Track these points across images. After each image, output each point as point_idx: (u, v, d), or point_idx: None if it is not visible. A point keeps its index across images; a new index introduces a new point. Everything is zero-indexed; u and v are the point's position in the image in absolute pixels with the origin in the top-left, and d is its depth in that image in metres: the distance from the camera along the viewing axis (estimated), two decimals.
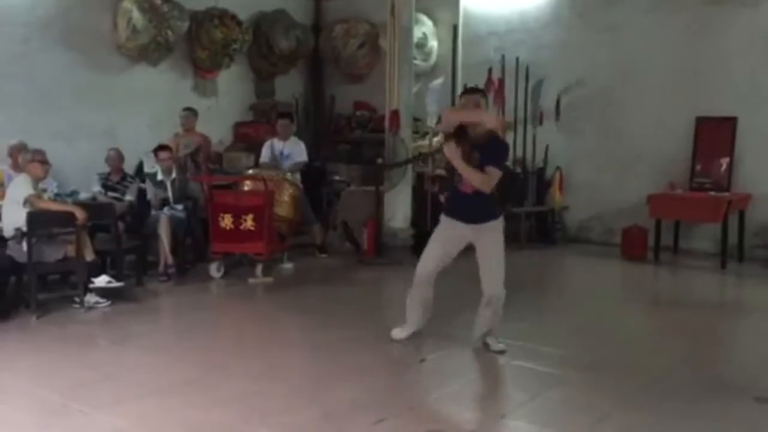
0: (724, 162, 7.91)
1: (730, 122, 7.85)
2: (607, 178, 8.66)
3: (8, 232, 5.57)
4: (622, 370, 4.37)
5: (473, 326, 4.70)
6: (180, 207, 7.00)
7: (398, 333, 4.79)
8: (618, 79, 8.54)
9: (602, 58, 8.61)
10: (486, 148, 4.42)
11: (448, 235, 4.61)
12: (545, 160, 8.92)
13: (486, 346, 4.64)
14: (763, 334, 5.34)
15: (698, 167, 8.05)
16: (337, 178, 9.52)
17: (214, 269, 6.84)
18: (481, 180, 4.38)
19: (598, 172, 8.74)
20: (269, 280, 6.69)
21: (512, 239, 8.50)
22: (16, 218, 5.48)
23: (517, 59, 8.65)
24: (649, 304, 6.52)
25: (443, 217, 4.67)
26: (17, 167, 6.32)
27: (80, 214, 5.58)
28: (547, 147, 8.84)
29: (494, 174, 4.41)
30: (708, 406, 3.79)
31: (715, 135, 7.95)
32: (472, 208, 4.50)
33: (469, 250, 4.66)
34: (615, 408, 3.72)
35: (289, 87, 10.26)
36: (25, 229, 5.41)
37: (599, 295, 6.51)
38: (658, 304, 6.61)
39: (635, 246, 7.86)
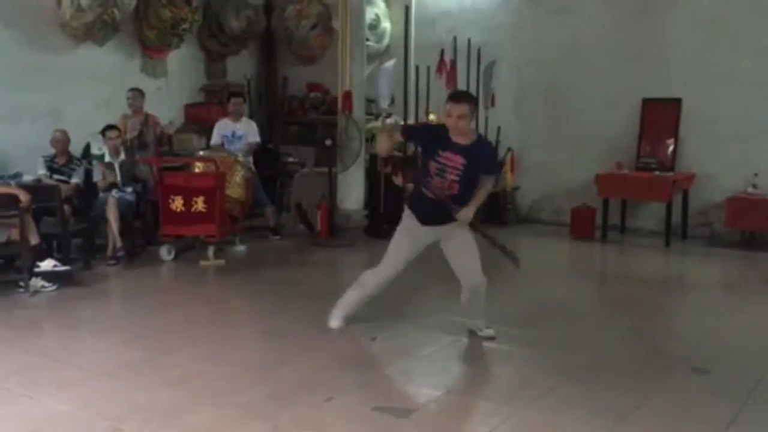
0: (669, 142, 8.12)
1: (675, 103, 8.05)
2: (558, 159, 8.80)
3: None
4: (568, 345, 4.49)
5: (468, 317, 4.64)
6: (129, 189, 6.89)
7: (336, 322, 4.65)
8: (567, 60, 8.66)
9: (552, 39, 8.72)
10: (472, 153, 4.21)
11: (417, 234, 4.42)
12: (497, 142, 9.00)
13: (473, 333, 4.60)
14: (703, 309, 5.53)
15: (644, 148, 8.24)
16: (290, 159, 9.49)
17: (165, 252, 6.76)
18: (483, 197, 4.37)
19: (549, 153, 8.88)
20: (221, 262, 6.64)
21: None
22: None
23: (469, 40, 8.70)
24: (596, 281, 6.69)
25: (408, 213, 4.44)
26: None
27: (24, 197, 5.46)
28: (498, 128, 8.92)
29: (490, 185, 4.40)
30: (648, 378, 3.92)
31: (660, 116, 8.14)
32: (437, 213, 4.31)
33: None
34: (559, 382, 3.82)
35: (240, 68, 10.13)
36: None
37: (548, 274, 6.64)
38: (604, 281, 6.79)
39: (584, 225, 8.03)
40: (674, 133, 8.08)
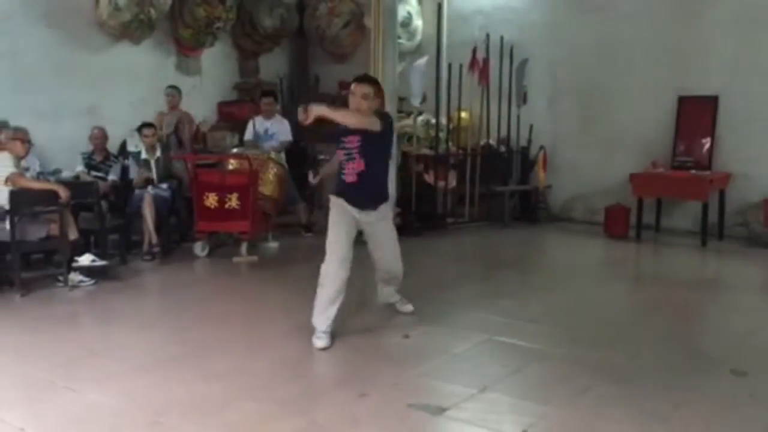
0: (706, 141, 7.99)
1: (712, 101, 7.92)
2: (591, 157, 8.72)
3: None
4: (602, 344, 4.45)
5: (380, 295, 5.03)
6: (164, 186, 6.99)
7: (321, 342, 4.35)
8: (602, 58, 8.57)
9: (587, 37, 8.64)
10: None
11: (349, 213, 4.49)
12: (529, 140, 8.96)
13: (393, 306, 5.01)
14: (741, 310, 5.43)
15: (680, 146, 8.12)
16: (322, 157, 9.50)
17: (199, 248, 6.85)
18: (356, 120, 4.27)
19: (582, 152, 8.80)
20: (254, 258, 6.71)
21: (496, 218, 8.68)
22: None
23: (502, 38, 8.65)
24: (630, 281, 6.61)
25: (335, 200, 4.53)
26: None
27: (63, 193, 5.57)
28: (531, 126, 8.87)
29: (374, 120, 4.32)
30: (685, 379, 3.87)
31: (696, 114, 8.01)
32: (359, 195, 4.46)
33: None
34: (594, 381, 3.79)
35: (273, 66, 10.22)
36: (7, 207, 5.39)
37: (581, 273, 6.59)
38: (639, 281, 6.71)
39: (617, 224, 7.95)
40: (711, 131, 7.95)
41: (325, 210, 8.28)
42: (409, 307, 5.01)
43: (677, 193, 7.83)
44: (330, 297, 4.39)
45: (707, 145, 7.97)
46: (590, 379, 3.83)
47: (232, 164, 7.17)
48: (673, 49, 8.09)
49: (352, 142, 4.40)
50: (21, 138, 5.69)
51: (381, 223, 4.63)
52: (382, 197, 4.64)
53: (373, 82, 4.57)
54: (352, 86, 4.47)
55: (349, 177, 4.45)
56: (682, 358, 4.24)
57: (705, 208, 7.53)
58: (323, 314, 4.40)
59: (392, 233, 4.77)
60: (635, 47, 8.34)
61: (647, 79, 8.27)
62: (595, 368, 4.01)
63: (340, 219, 4.50)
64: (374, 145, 4.42)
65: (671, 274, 6.66)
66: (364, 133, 4.35)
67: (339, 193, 4.52)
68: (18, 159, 5.68)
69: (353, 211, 4.49)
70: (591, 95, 8.72)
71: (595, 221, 8.43)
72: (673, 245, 7.74)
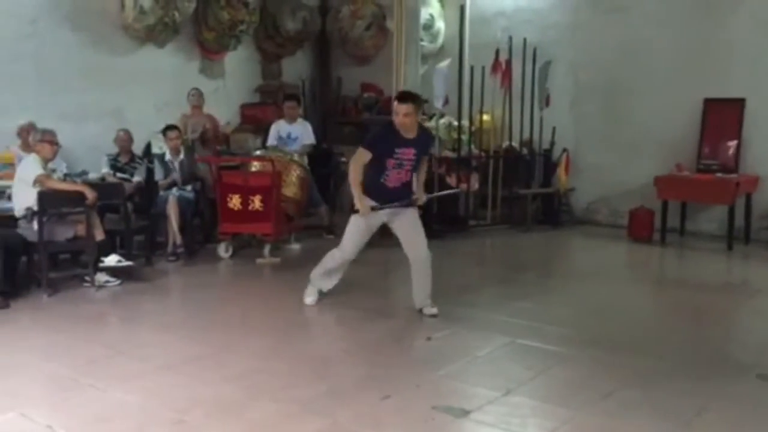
0: (732, 144, 7.90)
1: (738, 104, 7.82)
2: (614, 160, 8.65)
3: (19, 212, 5.62)
4: (627, 348, 4.41)
5: (415, 296, 5.07)
6: (188, 187, 7.05)
7: (311, 299, 5.25)
8: (626, 60, 8.51)
9: (610, 39, 8.58)
10: (419, 143, 4.89)
11: (374, 215, 4.90)
12: (552, 142, 8.91)
13: (421, 311, 5.04)
14: (766, 314, 5.36)
15: (705, 149, 8.04)
16: (344, 159, 9.54)
17: (223, 249, 6.90)
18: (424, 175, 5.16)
19: (605, 154, 8.74)
20: (277, 260, 6.74)
21: (518, 221, 8.65)
22: (26, 198, 5.54)
23: (525, 40, 8.62)
24: (655, 284, 6.56)
25: (365, 199, 4.89)
26: (27, 147, 6.37)
27: (90, 194, 5.63)
28: (554, 129, 8.83)
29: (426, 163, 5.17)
30: (711, 383, 3.83)
31: (722, 116, 7.92)
32: (394, 197, 4.91)
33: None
34: (618, 385, 3.76)
35: (295, 68, 10.26)
36: (35, 208, 5.47)
37: (605, 276, 6.54)
38: (664, 284, 6.65)
39: (642, 227, 7.88)
40: (737, 134, 7.86)
41: (346, 212, 8.38)
42: (434, 310, 5.02)
43: (702, 196, 7.74)
44: (329, 269, 5.11)
45: (733, 148, 7.88)
46: (613, 382, 3.81)
47: (255, 166, 7.21)
48: (697, 50, 8.01)
49: (408, 155, 4.83)
50: (49, 140, 5.76)
51: (408, 210, 4.99)
52: (410, 197, 5.05)
53: (414, 99, 4.86)
54: (395, 105, 4.81)
55: (392, 183, 4.87)
56: (707, 362, 4.20)
57: (731, 211, 7.44)
58: (321, 279, 5.17)
59: (416, 217, 5.05)
60: (659, 48, 8.27)
61: (671, 80, 8.19)
62: (618, 372, 3.98)
63: (363, 220, 4.89)
64: (422, 156, 4.96)
65: (696, 278, 6.59)
66: (419, 148, 4.86)
67: (374, 196, 4.86)
68: (46, 161, 5.76)
69: (380, 212, 4.88)
70: (614, 97, 8.66)
71: (619, 224, 8.37)
72: (699, 249, 7.66)
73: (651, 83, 8.34)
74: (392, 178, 4.86)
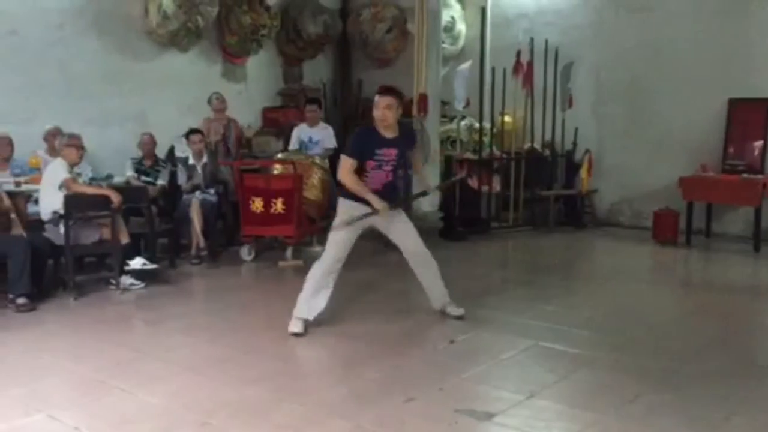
0: (758, 144, 7.79)
1: (764, 103, 7.72)
2: (638, 161, 8.58)
3: (46, 216, 5.71)
4: (652, 352, 4.37)
5: (432, 299, 5.03)
6: (211, 191, 7.11)
7: (297, 327, 4.67)
8: (649, 59, 8.43)
9: (633, 38, 8.51)
10: (401, 142, 4.79)
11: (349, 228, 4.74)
12: (574, 143, 8.86)
13: (444, 313, 5.00)
14: None
15: (731, 149, 7.94)
16: None
17: (245, 252, 6.94)
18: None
19: (629, 155, 8.67)
20: (299, 263, 6.76)
21: (540, 223, 8.60)
22: (53, 202, 5.62)
23: (546, 41, 8.58)
24: (680, 287, 6.48)
25: (350, 204, 4.73)
26: (53, 152, 6.46)
27: (115, 198, 5.70)
28: (576, 130, 8.77)
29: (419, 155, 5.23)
30: (738, 387, 3.78)
31: (748, 116, 7.82)
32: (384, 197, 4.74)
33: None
34: (643, 389, 3.72)
35: (316, 72, 10.31)
36: (62, 212, 5.54)
37: (630, 278, 6.48)
38: (689, 287, 6.57)
39: (666, 229, 7.79)
40: (763, 134, 7.76)
41: None
42: (461, 311, 4.98)
43: (728, 197, 7.64)
44: (315, 287, 4.70)
45: (759, 149, 7.77)
46: (639, 386, 3.76)
47: (277, 169, 7.25)
48: (722, 49, 7.91)
49: (389, 155, 4.70)
50: (75, 144, 5.84)
51: (396, 215, 4.87)
52: (397, 198, 4.99)
53: (395, 93, 4.75)
54: (376, 98, 4.72)
55: (374, 185, 4.70)
56: (735, 366, 4.14)
57: (758, 212, 7.33)
58: (307, 303, 4.70)
59: (407, 220, 4.99)
60: (683, 47, 8.18)
61: (695, 80, 8.10)
62: (643, 375, 3.94)
63: (343, 233, 4.73)
64: (403, 159, 4.88)
65: (722, 281, 6.50)
66: (401, 149, 4.76)
67: (358, 200, 4.69)
68: (72, 165, 5.83)
69: (363, 211, 4.68)
70: (637, 97, 8.59)
71: (643, 226, 8.30)
72: (724, 251, 7.56)
73: (675, 83, 8.25)
74: (373, 179, 4.70)
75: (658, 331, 4.86)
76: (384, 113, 4.64)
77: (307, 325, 4.71)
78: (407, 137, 4.92)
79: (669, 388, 3.76)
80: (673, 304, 5.82)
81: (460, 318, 4.93)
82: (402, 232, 4.92)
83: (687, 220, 7.71)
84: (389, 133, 4.70)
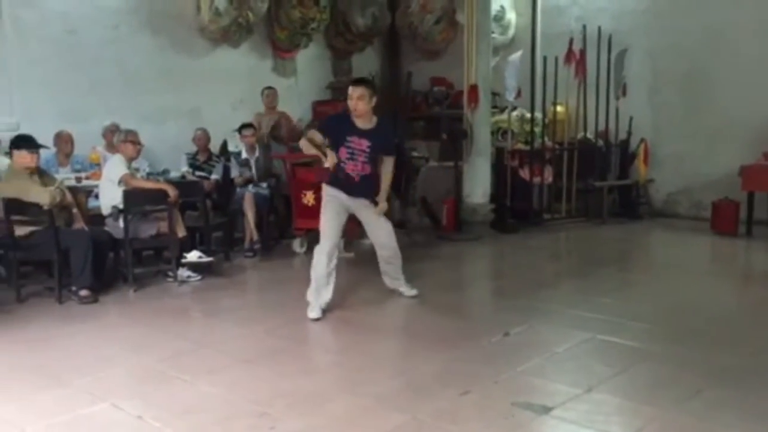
0: None
1: None
2: (696, 150, 8.36)
3: (106, 210, 5.85)
4: (713, 345, 4.25)
5: (387, 279, 5.24)
6: (264, 184, 7.19)
7: (313, 313, 4.83)
8: (707, 44, 8.20)
9: (690, 23, 8.28)
10: (375, 135, 4.81)
11: (341, 200, 4.93)
12: (629, 132, 8.67)
13: (400, 293, 5.19)
14: None
15: None
16: (415, 154, 9.53)
17: (297, 245, 7.00)
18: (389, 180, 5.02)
19: (686, 144, 8.45)
20: (350, 255, 6.80)
21: (594, 214, 8.45)
22: (112, 197, 5.76)
23: (599, 28, 8.40)
24: (741, 279, 6.30)
25: (331, 190, 4.93)
26: (112, 148, 6.63)
27: (172, 192, 5.81)
28: (631, 118, 8.58)
29: (391, 165, 4.99)
30: None
31: None
32: (357, 187, 4.89)
33: None
34: (705, 384, 3.63)
35: (365, 64, 10.33)
36: (121, 206, 5.68)
37: (688, 271, 6.32)
38: (751, 279, 6.38)
39: (726, 220, 7.57)
40: None
41: (418, 208, 8.38)
42: (414, 291, 5.17)
43: None
44: (322, 276, 4.81)
45: None
46: (700, 380, 3.67)
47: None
48: None
49: (361, 146, 4.77)
50: (132, 140, 5.97)
51: (370, 207, 4.99)
52: (374, 191, 5.02)
53: (367, 84, 4.87)
54: (349, 89, 4.79)
55: (350, 171, 4.81)
56: None
57: None
58: (317, 291, 4.84)
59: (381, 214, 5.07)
60: (743, 31, 7.93)
61: (758, 65, 7.85)
62: (704, 369, 3.84)
63: (332, 206, 4.91)
64: (378, 151, 4.88)
65: None
66: (374, 141, 4.77)
67: (337, 185, 4.88)
68: (130, 160, 5.97)
69: (344, 198, 4.89)
70: (695, 84, 8.36)
71: (702, 217, 8.08)
72: None
73: (735, 68, 8.00)
74: (349, 167, 4.81)
75: (718, 325, 4.73)
76: (356, 103, 4.72)
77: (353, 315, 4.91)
78: (383, 134, 4.91)
79: (731, 383, 3.66)
80: (734, 296, 5.66)
81: (413, 297, 5.13)
82: (375, 223, 5.03)
83: (748, 211, 7.47)
84: (363, 124, 4.77)
